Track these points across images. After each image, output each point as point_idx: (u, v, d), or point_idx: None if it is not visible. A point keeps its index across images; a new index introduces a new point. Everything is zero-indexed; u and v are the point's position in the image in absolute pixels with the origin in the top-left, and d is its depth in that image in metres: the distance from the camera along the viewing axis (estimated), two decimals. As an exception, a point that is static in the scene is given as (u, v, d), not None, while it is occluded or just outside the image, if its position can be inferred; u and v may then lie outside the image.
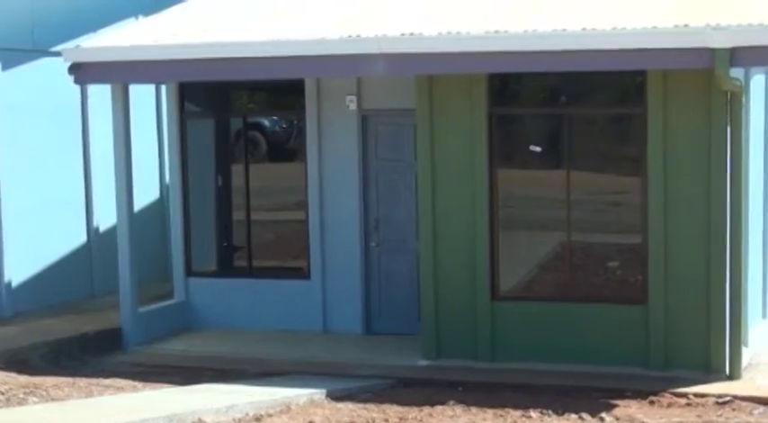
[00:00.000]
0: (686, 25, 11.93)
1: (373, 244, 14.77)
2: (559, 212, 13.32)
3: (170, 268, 16.09)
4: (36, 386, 11.69)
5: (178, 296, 15.59)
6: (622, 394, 11.97)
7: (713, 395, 11.87)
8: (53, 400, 11.28)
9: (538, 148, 13.43)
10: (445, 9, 13.93)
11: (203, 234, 15.73)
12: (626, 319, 12.93)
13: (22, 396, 11.24)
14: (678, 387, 12.11)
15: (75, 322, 15.18)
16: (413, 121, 13.70)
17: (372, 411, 11.39)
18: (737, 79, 12.07)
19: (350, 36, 13.05)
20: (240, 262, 15.69)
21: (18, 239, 15.82)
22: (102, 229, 17.03)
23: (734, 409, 11.51)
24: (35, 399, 11.23)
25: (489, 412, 11.35)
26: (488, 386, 12.48)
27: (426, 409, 11.43)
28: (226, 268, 15.81)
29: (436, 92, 13.31)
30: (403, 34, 12.86)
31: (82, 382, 12.21)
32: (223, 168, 15.71)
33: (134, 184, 14.59)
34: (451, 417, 11.26)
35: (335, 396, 11.98)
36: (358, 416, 11.17)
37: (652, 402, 11.79)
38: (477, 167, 13.27)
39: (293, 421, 10.85)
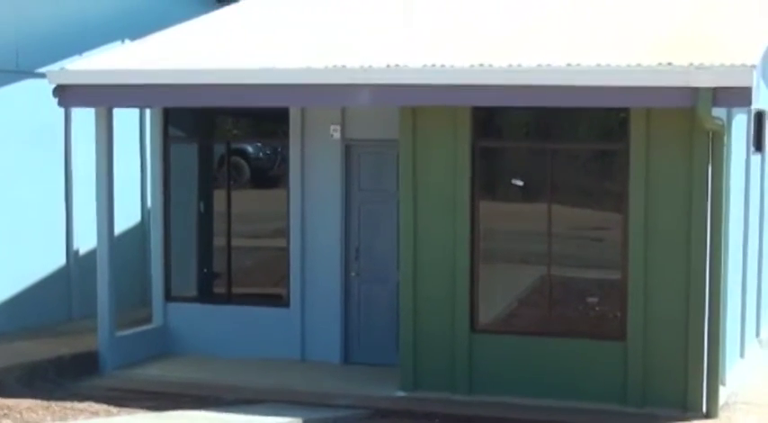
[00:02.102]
0: (670, 64, 11.99)
1: (353, 273, 14.75)
2: (540, 246, 13.34)
3: (149, 292, 16.04)
4: (10, 408, 11.62)
5: (156, 321, 15.53)
6: (599, 430, 11.99)
7: (689, 433, 11.90)
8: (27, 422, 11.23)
9: (520, 182, 13.46)
10: (431, 41, 13.99)
11: (183, 259, 15.69)
12: (604, 355, 12.93)
13: (-5, 418, 11.19)
14: (655, 424, 12.12)
15: (51, 345, 15.08)
16: (396, 152, 13.73)
17: (348, 442, 11.37)
18: (719, 118, 12.13)
19: (335, 66, 13.08)
20: (220, 288, 15.64)
21: (-3, 260, 15.76)
22: (81, 251, 16.96)
23: (710, 448, 11.54)
24: (8, 421, 11.16)
25: (465, 445, 11.35)
26: (465, 419, 12.46)
27: (402, 441, 11.42)
28: (205, 294, 15.75)
29: (420, 123, 13.34)
30: (388, 65, 12.90)
31: (56, 405, 12.14)
32: (205, 193, 15.69)
33: (115, 208, 14.56)
34: (427, 449, 11.26)
35: (312, 425, 11.95)
36: (333, 446, 11.16)
37: (628, 439, 11.80)
38: (459, 199, 13.28)
39: (268, 450, 10.82)
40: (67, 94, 14.09)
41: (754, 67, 11.65)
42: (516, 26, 14.39)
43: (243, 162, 15.74)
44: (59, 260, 16.85)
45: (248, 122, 15.96)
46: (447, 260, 13.35)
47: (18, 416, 11.38)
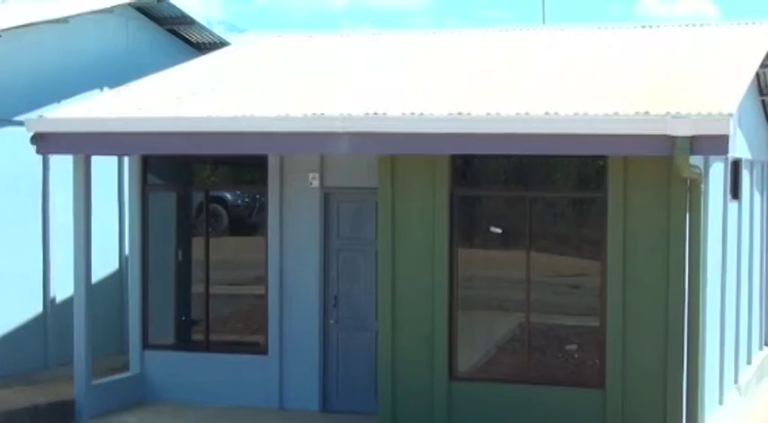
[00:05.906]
0: (647, 112, 12.06)
1: (332, 321, 14.72)
2: (519, 294, 13.36)
3: (126, 340, 15.95)
4: (-15, 459, 11.53)
5: (133, 369, 15.43)
6: (578, 479, 11.94)
7: (669, 482, 11.86)
8: (2, 474, 11.12)
9: (498, 230, 13.49)
10: (410, 89, 14.05)
11: (161, 306, 15.62)
12: (583, 402, 12.92)
13: (-30, 469, 11.08)
14: (634, 473, 12.09)
15: (27, 393, 14.96)
16: (375, 200, 13.74)
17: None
18: (697, 167, 12.20)
19: (314, 114, 13.11)
20: (198, 336, 15.57)
21: (-27, 308, 15.66)
22: (58, 299, 16.86)
23: (689, 497, 11.49)
24: (-16, 472, 11.07)
25: (445, 495, 11.29)
26: (444, 468, 12.41)
27: (381, 491, 11.34)
28: (183, 342, 15.68)
29: (399, 171, 13.38)
30: (367, 113, 12.94)
31: (32, 455, 12.05)
32: (184, 241, 15.66)
33: (93, 255, 14.51)
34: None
35: (290, 475, 11.88)
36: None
37: (608, 488, 11.75)
38: (437, 247, 13.30)
39: None
40: (46, 142, 14.07)
41: (730, 115, 11.74)
42: (495, 75, 14.47)
43: (221, 209, 15.73)
44: (36, 308, 16.75)
45: (227, 170, 15.96)
46: (425, 308, 13.35)
47: (-7, 466, 11.28)
